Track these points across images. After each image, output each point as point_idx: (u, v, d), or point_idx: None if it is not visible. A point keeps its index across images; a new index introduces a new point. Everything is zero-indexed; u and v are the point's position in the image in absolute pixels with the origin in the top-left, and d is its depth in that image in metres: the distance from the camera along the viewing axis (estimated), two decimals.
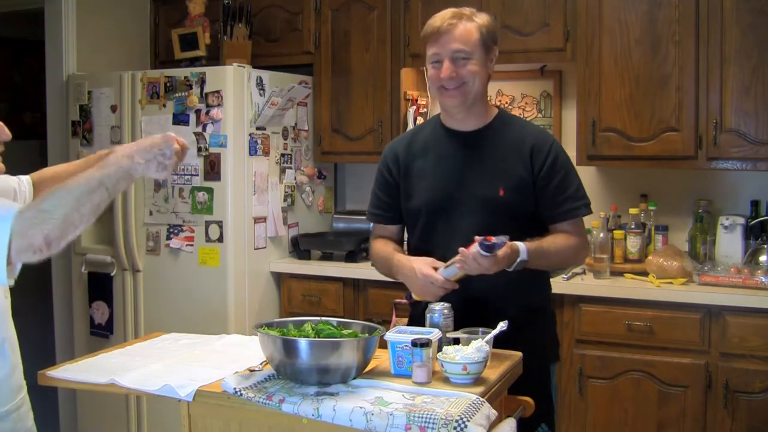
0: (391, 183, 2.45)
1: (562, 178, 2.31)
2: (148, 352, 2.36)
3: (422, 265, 2.23)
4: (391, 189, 2.45)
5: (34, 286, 4.97)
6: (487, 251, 2.09)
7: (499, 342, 2.10)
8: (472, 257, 2.11)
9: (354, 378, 1.95)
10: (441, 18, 2.28)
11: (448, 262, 2.20)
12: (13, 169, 5.74)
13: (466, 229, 2.26)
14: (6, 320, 2.12)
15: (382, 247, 2.47)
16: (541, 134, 2.38)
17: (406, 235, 2.56)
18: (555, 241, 2.30)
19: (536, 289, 2.41)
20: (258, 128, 3.86)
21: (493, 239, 2.10)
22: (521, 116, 2.46)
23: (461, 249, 2.14)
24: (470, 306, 2.27)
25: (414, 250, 2.43)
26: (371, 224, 2.63)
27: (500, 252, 2.11)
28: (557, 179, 2.30)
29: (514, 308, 2.27)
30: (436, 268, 2.22)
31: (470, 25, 2.27)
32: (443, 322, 2.19)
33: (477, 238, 2.10)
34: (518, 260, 2.18)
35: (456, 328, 2.18)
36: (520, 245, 2.19)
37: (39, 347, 4.69)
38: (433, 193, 2.35)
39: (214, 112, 3.73)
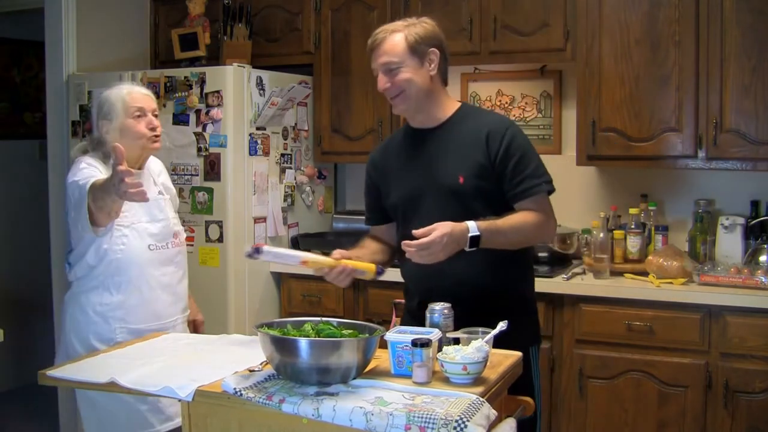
0: (372, 186, 2.64)
1: (519, 158, 2.37)
2: (148, 352, 2.36)
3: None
4: (373, 191, 2.63)
5: (34, 285, 4.98)
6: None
7: (473, 323, 2.17)
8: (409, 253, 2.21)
9: (354, 378, 1.95)
10: (372, 35, 2.45)
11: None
12: (13, 169, 5.75)
13: (437, 217, 2.31)
14: (144, 264, 2.69)
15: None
16: (497, 120, 2.46)
17: None
18: (511, 218, 2.34)
19: (509, 274, 2.44)
20: (258, 128, 3.86)
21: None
22: (488, 109, 2.57)
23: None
24: (444, 292, 2.30)
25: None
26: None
27: (438, 233, 2.17)
28: (514, 160, 2.36)
29: (493, 293, 2.38)
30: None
31: (396, 36, 2.39)
32: (443, 322, 2.20)
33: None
34: (469, 236, 2.23)
35: (422, 314, 2.21)
36: (469, 222, 2.25)
37: (39, 347, 4.70)
38: (405, 189, 2.48)
39: (214, 112, 3.74)
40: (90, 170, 2.58)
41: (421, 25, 2.43)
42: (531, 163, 2.39)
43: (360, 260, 2.42)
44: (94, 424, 2.63)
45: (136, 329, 2.68)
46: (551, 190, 2.42)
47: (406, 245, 2.20)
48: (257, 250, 2.20)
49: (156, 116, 2.75)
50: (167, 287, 2.77)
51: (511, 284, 2.46)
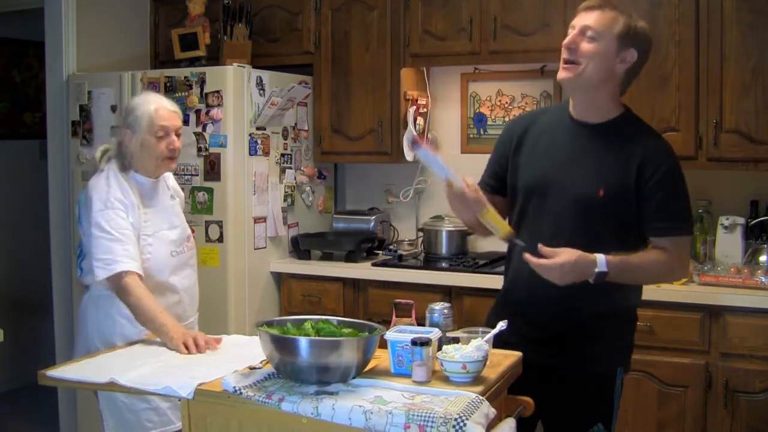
0: (503, 154, 2.45)
1: (670, 193, 2.23)
2: (148, 351, 2.37)
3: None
4: (503, 160, 2.45)
5: (34, 285, 4.98)
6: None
7: (564, 338, 2.21)
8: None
9: (354, 377, 1.95)
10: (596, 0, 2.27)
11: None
12: (13, 169, 5.75)
13: (555, 220, 2.27)
14: (167, 269, 2.73)
15: None
16: (657, 146, 2.28)
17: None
18: (645, 256, 2.24)
19: (614, 296, 2.28)
20: (258, 128, 3.86)
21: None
22: (648, 125, 2.40)
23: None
24: (538, 308, 2.29)
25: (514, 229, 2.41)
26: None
27: (560, 259, 2.10)
28: (663, 193, 2.22)
29: (587, 310, 2.26)
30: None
31: (616, 14, 2.23)
32: (443, 321, 2.20)
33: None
34: (596, 271, 2.14)
35: (524, 326, 2.21)
36: (599, 256, 2.14)
37: (39, 347, 4.70)
38: (533, 175, 2.34)
39: (214, 112, 3.73)
40: (120, 220, 2.57)
41: (641, 23, 2.27)
42: (680, 201, 2.25)
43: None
44: (114, 421, 2.62)
45: None
46: (690, 233, 2.30)
47: (529, 258, 2.13)
48: (417, 145, 2.10)
49: (179, 135, 2.74)
50: (187, 290, 2.82)
51: (611, 304, 2.31)
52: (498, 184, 2.47)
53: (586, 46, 2.22)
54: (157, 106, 2.68)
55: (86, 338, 2.72)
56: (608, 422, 2.34)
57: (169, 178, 2.89)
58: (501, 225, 2.23)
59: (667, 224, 2.24)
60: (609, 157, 2.26)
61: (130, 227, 2.59)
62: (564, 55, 2.27)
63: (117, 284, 2.52)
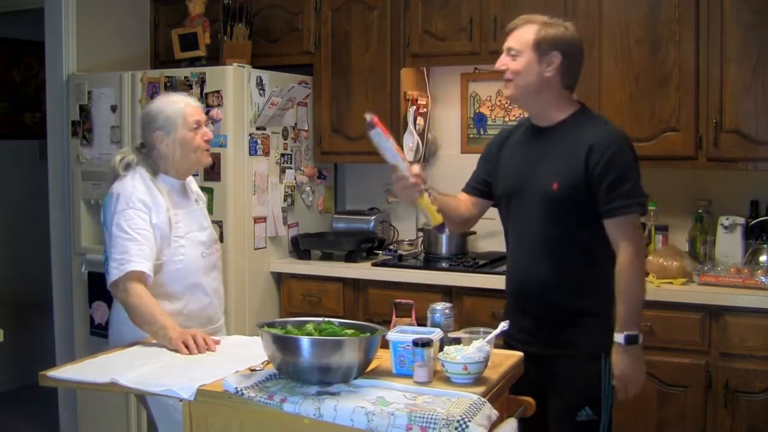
0: (489, 163, 2.64)
1: (616, 176, 2.33)
2: (148, 352, 2.37)
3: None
4: (489, 166, 2.64)
5: (34, 285, 4.98)
6: None
7: (554, 326, 2.37)
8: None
9: (355, 378, 1.95)
10: (517, 18, 2.48)
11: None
12: (13, 169, 5.75)
13: (528, 219, 2.45)
14: (199, 271, 2.72)
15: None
16: (604, 133, 2.40)
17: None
18: (618, 289, 2.33)
19: (601, 288, 2.41)
20: (258, 128, 3.86)
21: None
22: (603, 118, 2.57)
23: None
24: (526, 298, 2.47)
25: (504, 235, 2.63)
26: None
27: (618, 373, 2.34)
28: (610, 177, 2.32)
29: (571, 301, 2.42)
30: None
31: (530, 27, 2.42)
32: (445, 321, 2.20)
33: None
34: (623, 338, 2.31)
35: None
36: (615, 337, 2.33)
37: (39, 347, 4.70)
38: (507, 183, 2.54)
39: (214, 112, 3.73)
40: (139, 221, 2.57)
41: (558, 27, 2.42)
42: (627, 183, 2.34)
43: (443, 203, 2.49)
44: (165, 425, 2.59)
45: None
46: (644, 212, 2.41)
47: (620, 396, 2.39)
48: (372, 126, 2.30)
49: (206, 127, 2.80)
50: (216, 292, 2.82)
51: (592, 295, 2.45)
52: (486, 188, 2.65)
53: (512, 64, 2.43)
54: (184, 103, 2.73)
55: (121, 343, 2.65)
56: (597, 406, 2.41)
57: (191, 182, 2.89)
58: (432, 214, 2.35)
59: (614, 204, 2.33)
60: (562, 153, 2.41)
61: (150, 228, 2.59)
62: (502, 76, 2.47)
63: (121, 283, 2.51)
